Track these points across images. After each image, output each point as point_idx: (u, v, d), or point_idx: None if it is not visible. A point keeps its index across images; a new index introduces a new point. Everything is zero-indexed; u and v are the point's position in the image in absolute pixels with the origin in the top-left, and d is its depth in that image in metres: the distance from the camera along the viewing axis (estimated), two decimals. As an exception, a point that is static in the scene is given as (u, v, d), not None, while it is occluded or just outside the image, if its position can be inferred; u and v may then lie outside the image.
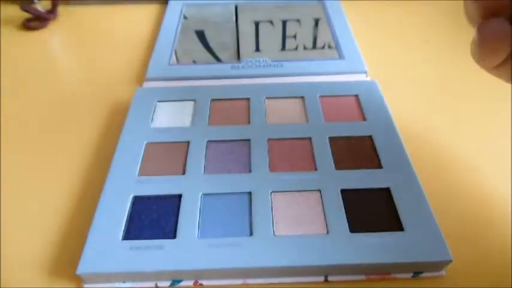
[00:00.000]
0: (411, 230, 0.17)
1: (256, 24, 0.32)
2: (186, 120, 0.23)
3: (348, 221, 0.18)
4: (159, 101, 0.24)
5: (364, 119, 0.23)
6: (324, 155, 0.21)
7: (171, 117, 0.23)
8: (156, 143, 0.22)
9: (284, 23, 0.32)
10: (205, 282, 0.17)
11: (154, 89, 0.25)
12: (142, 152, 0.21)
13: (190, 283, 0.17)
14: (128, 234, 0.18)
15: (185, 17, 0.33)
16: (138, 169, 0.20)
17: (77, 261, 0.17)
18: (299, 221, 0.18)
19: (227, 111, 0.24)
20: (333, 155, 0.21)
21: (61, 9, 0.35)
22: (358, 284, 0.17)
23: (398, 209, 0.18)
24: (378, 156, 0.21)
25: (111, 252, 0.17)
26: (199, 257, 0.17)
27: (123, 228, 0.18)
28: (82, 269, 0.16)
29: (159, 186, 0.20)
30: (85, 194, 0.21)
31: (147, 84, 0.26)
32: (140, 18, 0.34)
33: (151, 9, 0.35)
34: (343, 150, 0.21)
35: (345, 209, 0.18)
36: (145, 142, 0.22)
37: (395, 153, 0.21)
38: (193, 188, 0.19)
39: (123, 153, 0.21)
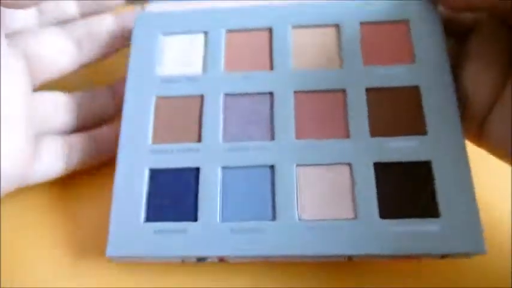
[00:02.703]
0: (448, 216, 0.16)
1: None
2: (197, 64, 0.20)
3: (378, 205, 0.17)
4: (163, 35, 0.20)
5: (413, 60, 0.19)
6: (359, 115, 0.18)
7: (179, 59, 0.20)
8: (166, 97, 0.19)
9: None
10: (230, 259, 0.18)
11: (157, 16, 0.21)
12: (153, 110, 0.19)
13: (216, 259, 0.18)
14: (149, 216, 0.17)
15: None
16: (150, 134, 0.19)
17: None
18: (325, 202, 0.17)
19: (245, 48, 0.20)
20: (369, 116, 0.18)
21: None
22: (382, 263, 0.17)
23: (437, 190, 0.17)
24: (423, 117, 0.18)
25: (136, 235, 0.17)
26: (223, 242, 0.17)
27: (143, 209, 0.18)
28: (111, 251, 0.17)
29: (174, 157, 0.18)
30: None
31: (149, 8, 0.22)
32: None
33: None
34: (382, 108, 0.18)
35: (376, 188, 0.17)
36: (154, 96, 0.19)
37: (444, 113, 0.18)
38: (211, 159, 0.18)
39: (131, 112, 0.19)
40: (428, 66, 0.18)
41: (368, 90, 0.18)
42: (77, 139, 0.20)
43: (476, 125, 0.18)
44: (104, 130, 0.21)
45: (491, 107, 0.17)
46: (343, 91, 0.19)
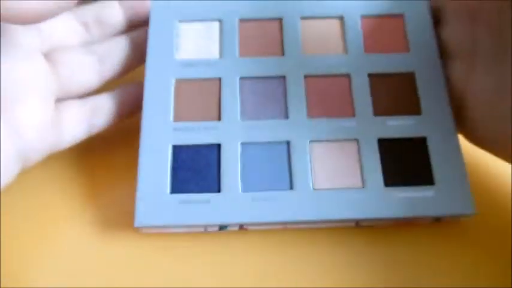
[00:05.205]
0: (441, 183, 0.19)
1: None
2: (213, 50, 0.21)
3: (383, 175, 0.19)
4: (180, 21, 0.22)
5: (408, 50, 0.21)
6: (363, 97, 0.20)
7: (196, 45, 0.21)
8: (185, 80, 0.21)
9: None
10: (250, 227, 0.19)
11: (172, 4, 0.22)
12: (173, 91, 0.20)
13: (236, 228, 0.19)
14: (175, 188, 0.19)
15: None
16: (172, 113, 0.20)
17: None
18: (336, 173, 0.19)
19: (258, 36, 0.21)
20: (372, 98, 0.20)
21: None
22: (385, 229, 0.19)
23: (432, 161, 0.19)
24: (417, 99, 0.20)
25: (162, 206, 0.18)
26: (244, 210, 0.18)
27: (168, 181, 0.19)
28: (139, 222, 0.18)
29: (196, 134, 0.20)
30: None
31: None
32: None
33: None
34: (383, 91, 0.20)
35: (380, 161, 0.19)
36: (174, 79, 0.21)
37: (435, 96, 0.20)
38: (231, 136, 0.19)
39: (152, 93, 0.20)
40: (420, 55, 0.21)
41: (370, 75, 0.21)
42: (99, 101, 0.20)
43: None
44: (127, 89, 0.20)
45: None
46: (348, 76, 0.21)
